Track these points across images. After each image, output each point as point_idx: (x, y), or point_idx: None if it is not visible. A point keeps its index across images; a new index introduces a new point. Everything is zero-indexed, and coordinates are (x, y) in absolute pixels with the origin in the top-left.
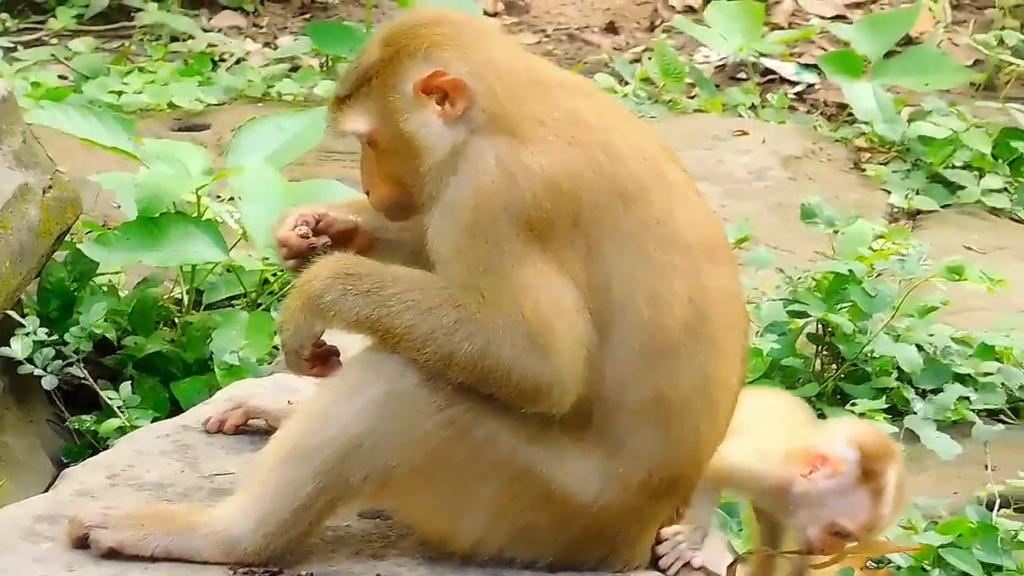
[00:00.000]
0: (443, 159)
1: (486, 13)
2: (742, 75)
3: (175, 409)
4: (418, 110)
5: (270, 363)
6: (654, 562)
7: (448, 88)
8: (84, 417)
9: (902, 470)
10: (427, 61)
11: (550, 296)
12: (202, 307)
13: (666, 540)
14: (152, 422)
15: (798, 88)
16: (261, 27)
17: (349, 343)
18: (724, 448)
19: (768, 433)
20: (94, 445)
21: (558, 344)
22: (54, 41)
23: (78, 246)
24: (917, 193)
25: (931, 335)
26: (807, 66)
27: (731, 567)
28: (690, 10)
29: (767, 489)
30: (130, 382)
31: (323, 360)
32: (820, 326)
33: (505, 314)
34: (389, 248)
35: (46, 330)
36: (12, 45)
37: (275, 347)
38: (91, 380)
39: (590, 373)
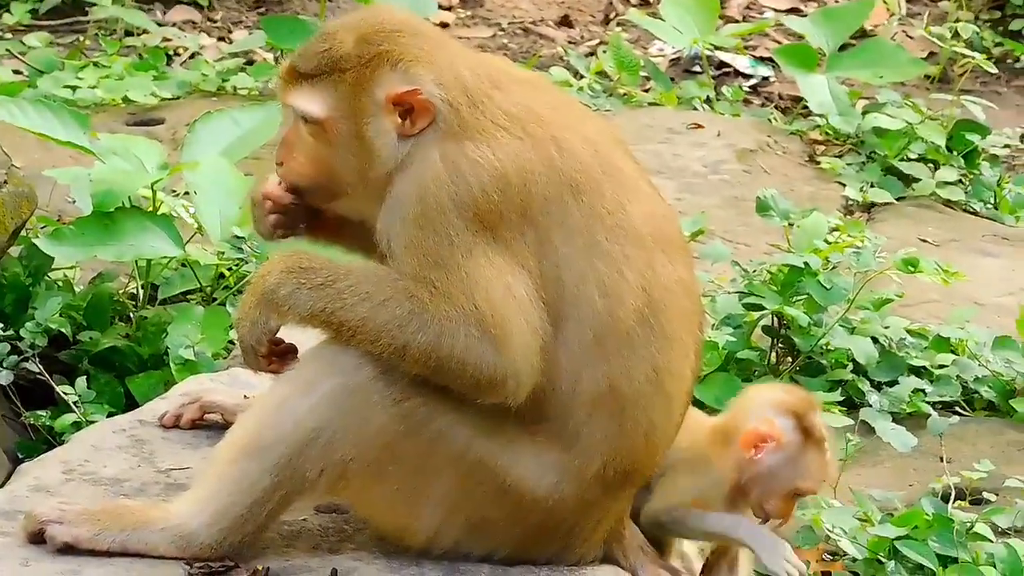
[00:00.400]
0: (390, 169)
1: (441, 7)
2: (697, 68)
3: (130, 404)
4: (380, 118)
5: (226, 358)
6: (608, 556)
7: (417, 107)
8: (39, 412)
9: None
10: (406, 76)
11: (502, 287)
12: (157, 302)
13: None
14: (108, 417)
15: (753, 81)
16: (215, 21)
17: (306, 340)
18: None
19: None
20: (49, 440)
21: (511, 334)
22: (8, 36)
23: (33, 241)
24: (872, 186)
25: (886, 327)
26: (762, 59)
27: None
28: (644, 3)
29: (725, 491)
30: (85, 377)
31: (280, 357)
32: (775, 319)
33: (457, 305)
34: (359, 228)
35: (1, 325)
36: None
37: (231, 342)
38: (46, 375)
39: (545, 364)
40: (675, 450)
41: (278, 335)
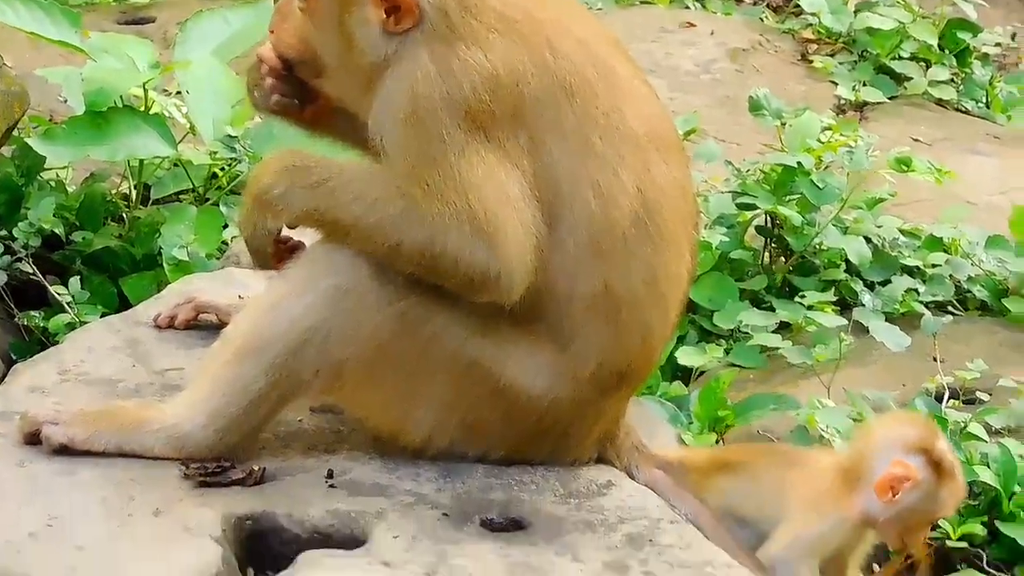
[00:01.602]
0: (374, 61)
1: None
2: None
3: (124, 305)
4: (364, 9)
5: (219, 258)
6: (603, 457)
7: (403, 7)
8: (33, 313)
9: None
10: None
11: (495, 185)
12: (150, 202)
13: None
14: (101, 318)
15: None
16: None
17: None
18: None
19: (792, 489)
20: (43, 341)
21: (504, 232)
22: None
23: (26, 141)
24: (864, 85)
25: (879, 227)
26: None
27: None
28: None
29: (848, 534)
30: (79, 278)
31: (289, 255)
32: (769, 219)
33: (450, 203)
34: (354, 124)
35: None
36: None
37: (224, 242)
38: (40, 276)
39: (539, 265)
40: (794, 495)
41: (286, 233)
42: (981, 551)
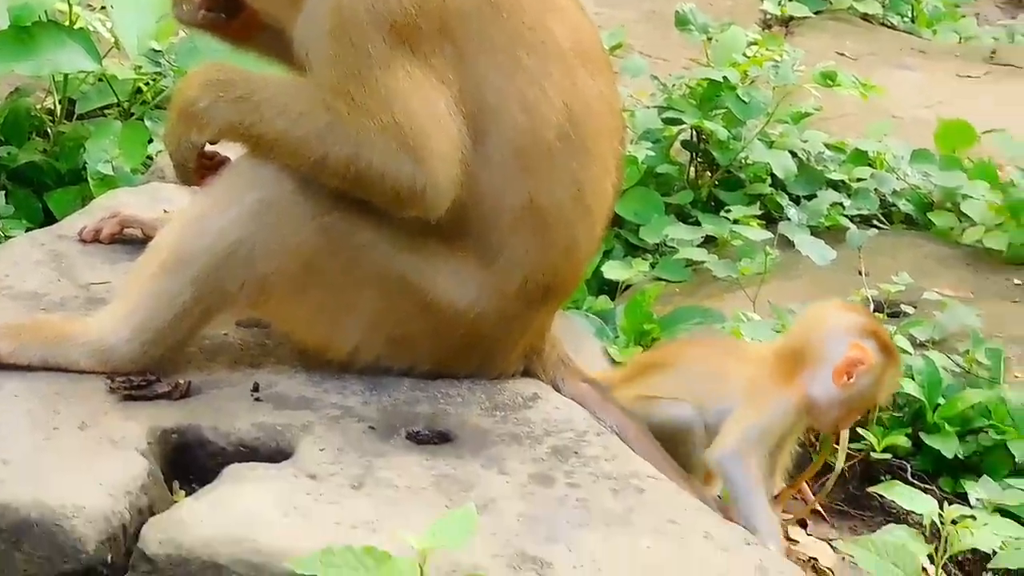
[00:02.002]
0: None
1: None
2: None
3: (49, 219)
4: None
5: (144, 173)
6: (529, 370)
7: None
8: None
9: None
10: None
11: (420, 99)
12: (75, 117)
13: None
14: (26, 232)
15: None
16: None
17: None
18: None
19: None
20: None
21: (430, 147)
22: None
23: None
24: (790, 0)
25: (804, 141)
26: None
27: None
28: None
29: (791, 420)
30: (3, 193)
31: (214, 170)
32: (694, 133)
33: (375, 117)
34: (281, 39)
35: None
36: None
37: (149, 157)
38: None
39: (465, 179)
40: (733, 384)
41: (212, 148)
42: (905, 463)
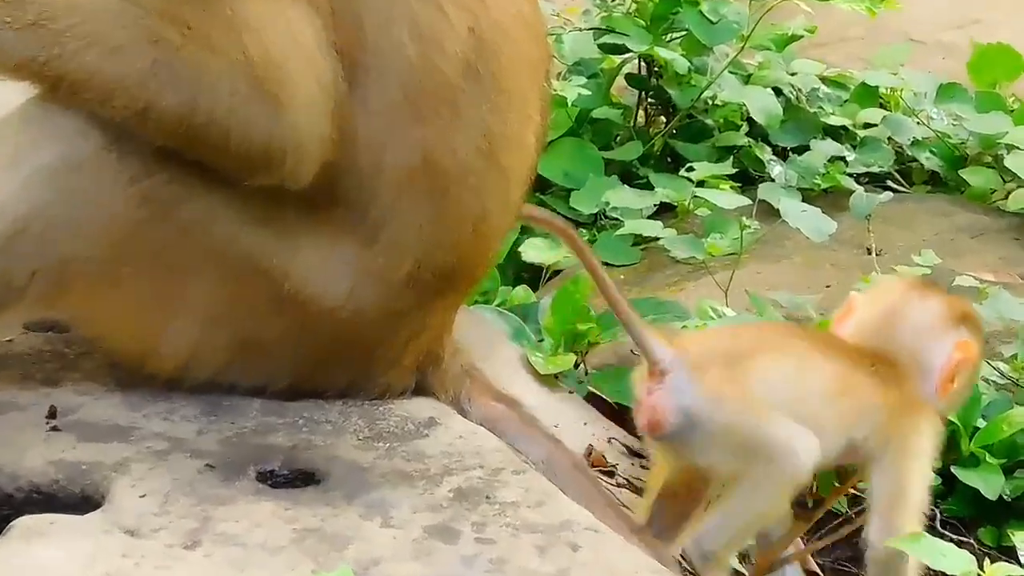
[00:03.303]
0: None
1: None
2: None
3: None
4: None
5: None
6: (423, 386)
7: None
8: None
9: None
10: None
11: (281, 29)
12: None
13: None
14: None
15: None
16: None
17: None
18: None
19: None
20: None
21: (293, 92)
22: None
23: None
24: None
25: (793, 75)
26: None
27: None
28: None
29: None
30: None
31: None
32: (644, 64)
33: (219, 52)
34: None
35: None
36: None
37: None
38: None
39: (337, 133)
40: (869, 406)
41: None
42: (934, 507)
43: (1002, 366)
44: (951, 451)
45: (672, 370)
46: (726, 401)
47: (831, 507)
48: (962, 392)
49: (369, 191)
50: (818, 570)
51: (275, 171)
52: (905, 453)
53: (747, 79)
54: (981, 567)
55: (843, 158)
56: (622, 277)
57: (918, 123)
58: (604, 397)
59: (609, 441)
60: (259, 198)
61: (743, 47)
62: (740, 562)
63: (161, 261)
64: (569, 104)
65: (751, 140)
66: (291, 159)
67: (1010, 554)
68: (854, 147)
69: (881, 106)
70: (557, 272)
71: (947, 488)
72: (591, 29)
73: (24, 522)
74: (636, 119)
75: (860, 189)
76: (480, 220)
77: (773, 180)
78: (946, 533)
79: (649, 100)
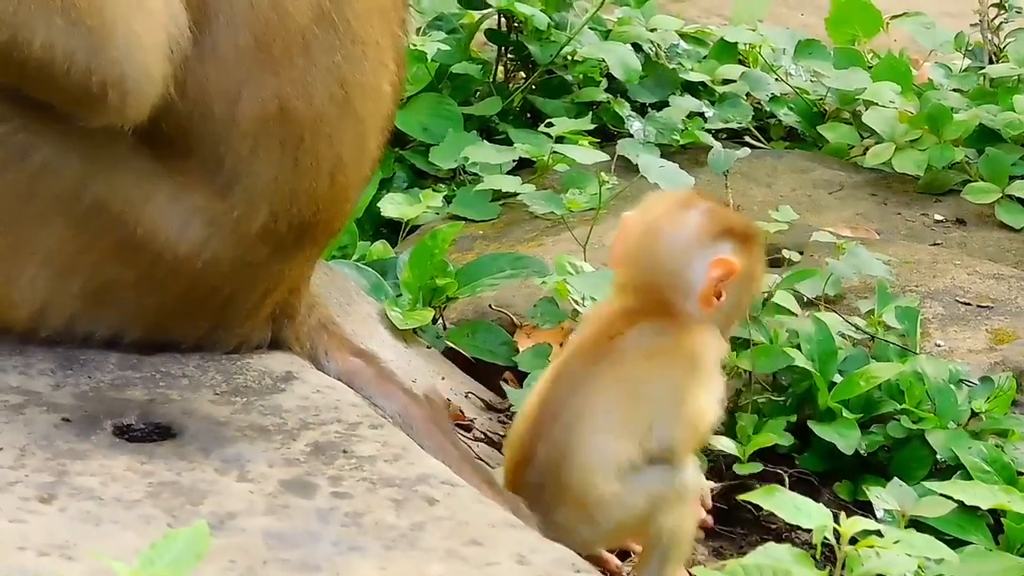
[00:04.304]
0: None
1: None
2: None
3: None
4: None
5: None
6: (278, 339)
7: None
8: None
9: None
10: None
11: None
12: None
13: None
14: None
15: None
16: None
17: None
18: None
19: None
20: None
21: (112, 27)
22: None
23: None
24: None
25: (652, 31)
26: None
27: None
28: None
29: None
30: None
31: None
32: (504, 19)
33: None
34: None
35: None
36: None
37: None
38: None
39: (186, 79)
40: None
41: None
42: (789, 462)
43: (859, 321)
44: (806, 405)
45: None
46: None
47: None
48: (737, 307)
49: (224, 142)
50: None
51: (99, 108)
52: (687, 375)
53: (606, 35)
54: (837, 521)
55: (702, 114)
56: (481, 232)
57: (777, 79)
58: (462, 352)
59: (467, 396)
60: (111, 146)
61: (603, 3)
62: None
63: (7, 207)
64: (428, 59)
65: (610, 96)
66: (114, 95)
67: (866, 508)
68: (713, 103)
69: (740, 62)
70: (416, 227)
71: (803, 443)
72: None
73: None
74: (496, 74)
75: (718, 145)
76: (336, 170)
77: (632, 136)
78: (802, 489)
79: (509, 55)
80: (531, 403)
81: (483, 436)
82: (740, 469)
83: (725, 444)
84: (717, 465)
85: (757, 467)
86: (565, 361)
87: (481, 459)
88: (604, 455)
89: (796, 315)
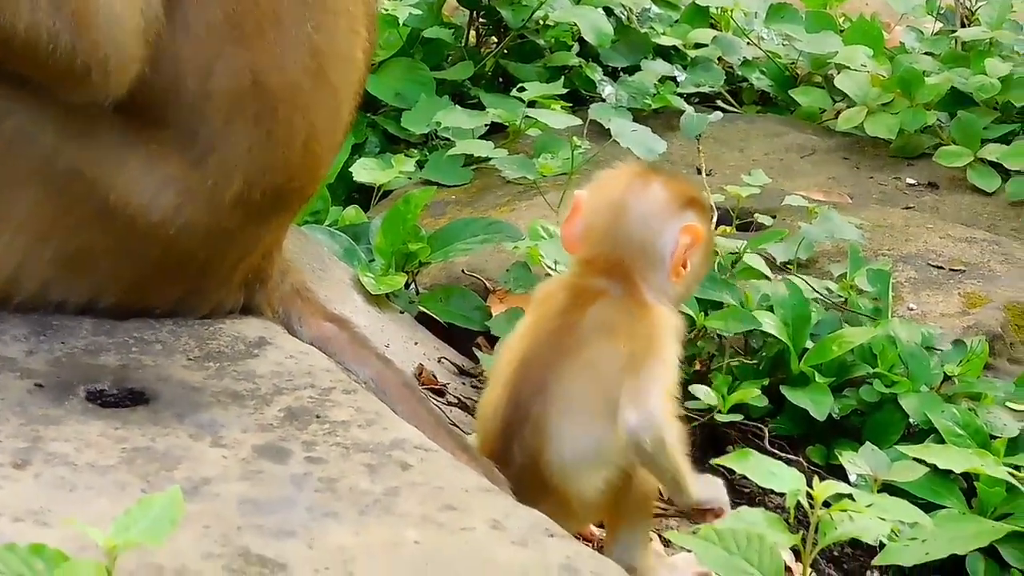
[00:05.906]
0: None
1: None
2: None
3: None
4: None
5: None
6: (250, 305)
7: None
8: None
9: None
10: None
11: None
12: None
13: None
14: None
15: None
16: None
17: None
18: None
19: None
20: None
21: (97, 6)
22: None
23: None
24: None
25: None
26: None
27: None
28: None
29: None
30: None
31: None
32: None
33: None
34: None
35: None
36: None
37: None
38: None
39: (159, 55)
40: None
41: None
42: (761, 426)
43: (831, 285)
44: (779, 369)
45: None
46: None
47: None
48: (696, 275)
49: (198, 115)
50: None
51: (82, 86)
52: (648, 352)
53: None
54: (810, 485)
55: (674, 78)
56: (454, 197)
57: (749, 43)
58: (434, 317)
59: (439, 360)
60: (85, 113)
61: None
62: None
63: None
64: (400, 24)
65: (582, 60)
66: (96, 74)
67: (838, 473)
68: (685, 67)
69: (712, 26)
70: (388, 192)
71: (776, 407)
72: None
73: None
74: (468, 39)
75: (690, 109)
76: (310, 138)
77: (604, 100)
78: (775, 452)
79: (481, 20)
80: (497, 391)
81: (456, 401)
82: (720, 418)
83: (704, 393)
84: (692, 426)
85: (738, 416)
86: (530, 348)
87: (455, 424)
88: (582, 450)
89: (769, 279)
